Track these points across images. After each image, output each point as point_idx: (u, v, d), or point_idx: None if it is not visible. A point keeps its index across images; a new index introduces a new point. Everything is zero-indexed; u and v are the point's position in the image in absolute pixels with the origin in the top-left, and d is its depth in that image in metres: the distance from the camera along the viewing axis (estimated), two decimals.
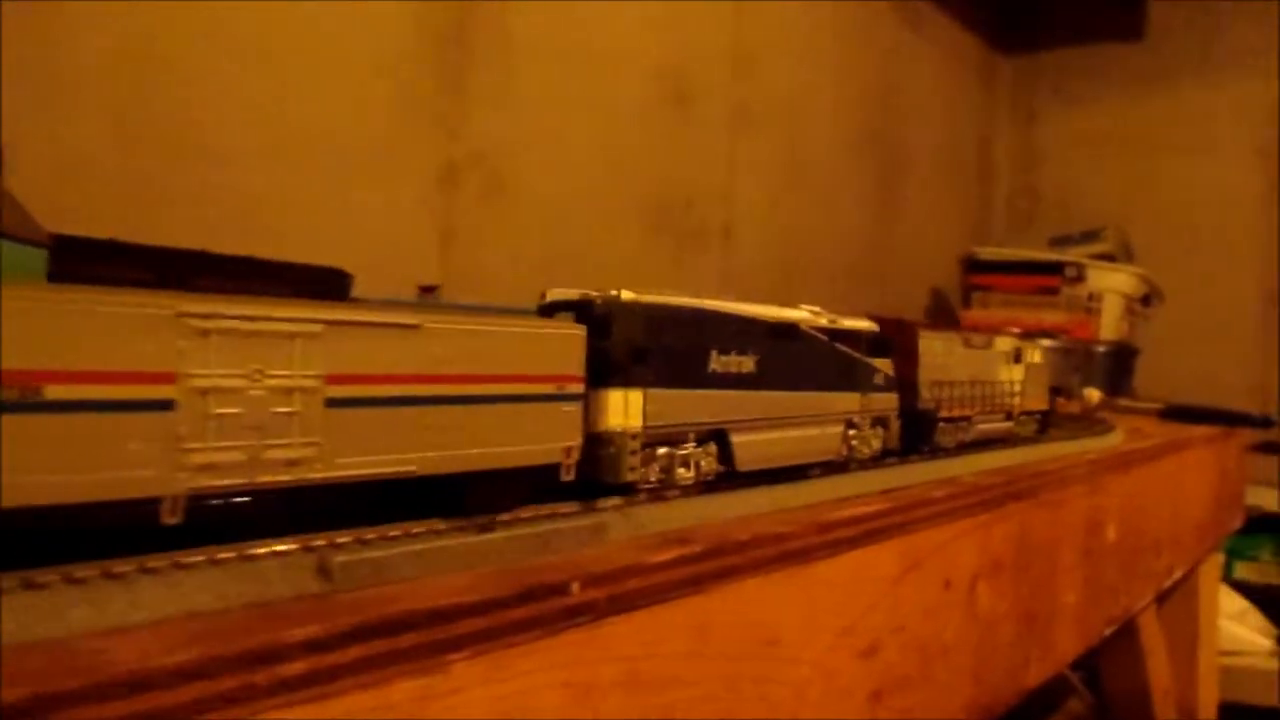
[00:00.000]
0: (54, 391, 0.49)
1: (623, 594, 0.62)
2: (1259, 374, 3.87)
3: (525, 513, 0.68)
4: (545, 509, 0.70)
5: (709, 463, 0.88)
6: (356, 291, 0.66)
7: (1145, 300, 3.59)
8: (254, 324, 0.56)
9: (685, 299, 0.89)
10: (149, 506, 0.53)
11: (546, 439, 0.74)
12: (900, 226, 3.65)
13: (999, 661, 1.15)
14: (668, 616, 0.66)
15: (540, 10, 2.20)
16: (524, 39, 2.18)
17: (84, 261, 0.56)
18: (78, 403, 0.50)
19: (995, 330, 1.58)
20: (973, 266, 3.58)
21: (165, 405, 0.53)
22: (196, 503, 0.54)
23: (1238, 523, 2.57)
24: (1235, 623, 2.80)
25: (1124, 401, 2.82)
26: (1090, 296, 3.40)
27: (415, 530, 0.61)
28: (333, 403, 0.60)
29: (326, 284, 0.65)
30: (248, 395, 0.56)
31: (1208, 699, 2.40)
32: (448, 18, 2.03)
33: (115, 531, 0.52)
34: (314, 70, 1.81)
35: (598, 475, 0.78)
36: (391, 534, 0.60)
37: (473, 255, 2.08)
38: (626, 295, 0.82)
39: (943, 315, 3.80)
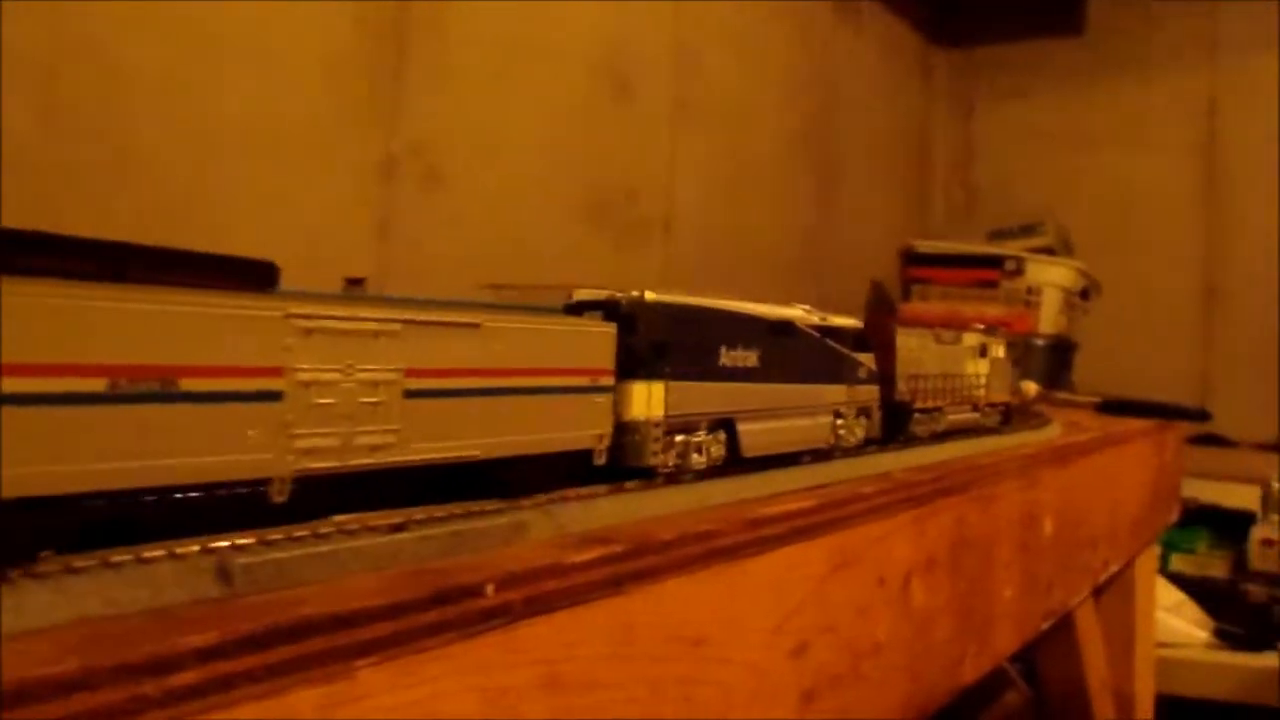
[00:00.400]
0: (188, 384, 0.55)
1: (540, 595, 0.60)
2: (1195, 367, 3.91)
3: (439, 511, 0.66)
4: (460, 508, 0.67)
5: (718, 449, 0.97)
6: (288, 284, 0.65)
7: (1084, 294, 3.61)
8: (347, 323, 0.64)
9: (698, 299, 0.98)
10: (260, 487, 0.59)
11: (583, 427, 0.83)
12: (840, 220, 3.66)
13: (934, 658, 1.13)
14: (588, 618, 0.64)
15: (479, 3, 2.18)
16: (462, 31, 2.16)
17: (15, 253, 0.54)
18: (208, 394, 0.56)
19: (960, 326, 1.65)
20: (912, 260, 3.59)
21: (276, 396, 0.59)
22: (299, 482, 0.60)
23: (1174, 516, 2.59)
24: (1172, 615, 2.82)
25: (1062, 395, 2.83)
26: (1029, 290, 3.41)
27: (323, 530, 0.59)
28: (410, 394, 0.67)
29: (256, 276, 0.64)
30: (341, 387, 0.63)
31: (1144, 691, 2.41)
32: (385, 11, 2.01)
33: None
34: (248, 62, 1.78)
35: (624, 460, 0.87)
36: (297, 534, 0.57)
37: (411, 247, 2.07)
38: (650, 296, 0.90)
39: (883, 309, 3.79)
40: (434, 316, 0.69)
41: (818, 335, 1.17)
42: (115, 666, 0.43)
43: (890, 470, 1.14)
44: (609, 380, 0.85)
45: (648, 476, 0.88)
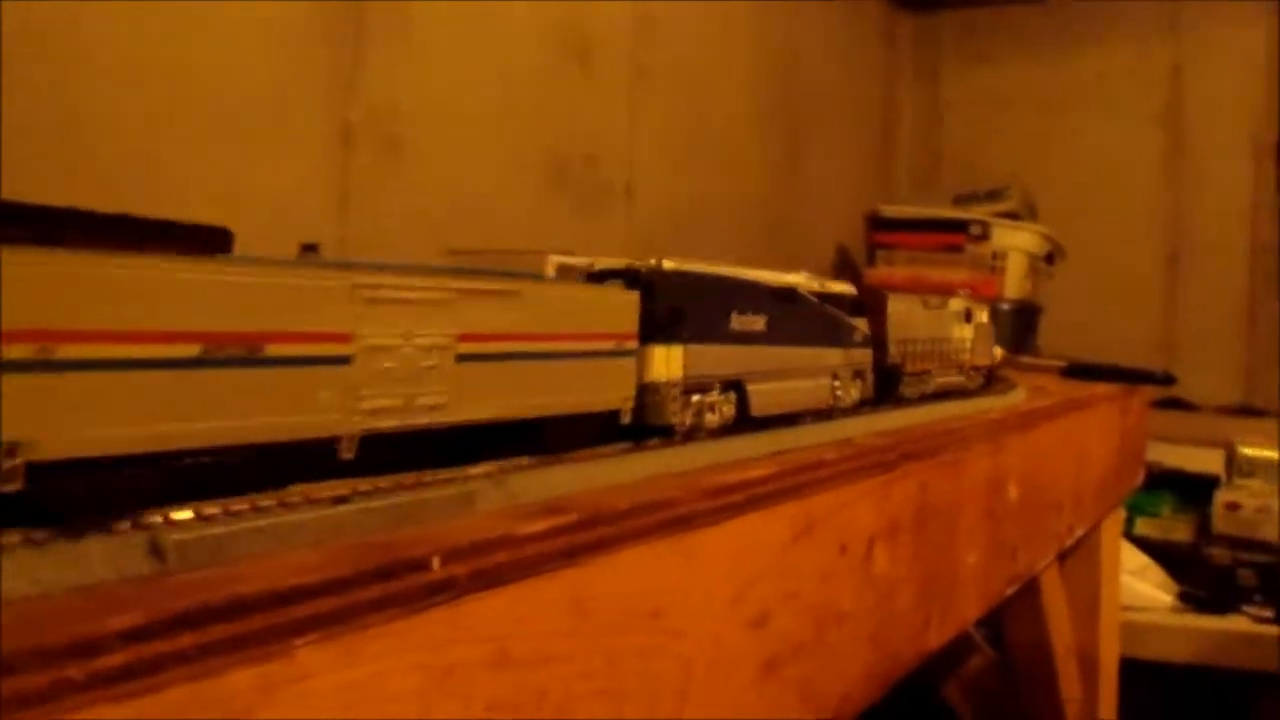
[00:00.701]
0: (273, 349, 0.59)
1: (489, 568, 0.58)
2: (1159, 331, 3.93)
3: (385, 483, 0.64)
4: (410, 478, 0.65)
5: (729, 409, 1.03)
6: (243, 252, 0.64)
7: (1048, 258, 3.61)
8: (406, 292, 0.68)
9: (711, 267, 1.05)
10: (330, 445, 0.63)
11: (612, 389, 0.89)
12: (804, 185, 3.64)
13: (898, 625, 1.12)
14: (540, 591, 0.62)
15: None
16: None
17: None
18: (289, 358, 0.60)
19: (927, 291, 1.70)
20: (877, 224, 3.57)
21: (346, 360, 0.64)
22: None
23: (1139, 480, 2.59)
24: (1136, 579, 2.83)
25: (1026, 359, 2.83)
26: (994, 255, 3.40)
27: (263, 504, 0.57)
28: (461, 358, 0.72)
29: (208, 242, 0.63)
30: (402, 352, 0.67)
31: (1109, 655, 2.42)
32: None
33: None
34: (204, 29, 1.75)
35: (646, 419, 0.93)
36: (235, 508, 0.55)
37: (370, 215, 2.05)
38: (668, 264, 0.96)
39: (847, 273, 3.79)
40: (482, 285, 0.74)
41: (817, 301, 1.22)
42: (36, 649, 0.41)
43: (853, 436, 1.12)
44: (633, 344, 0.91)
45: (667, 435, 0.93)
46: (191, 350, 0.55)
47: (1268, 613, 2.73)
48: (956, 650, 2.27)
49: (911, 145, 4.54)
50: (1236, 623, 2.74)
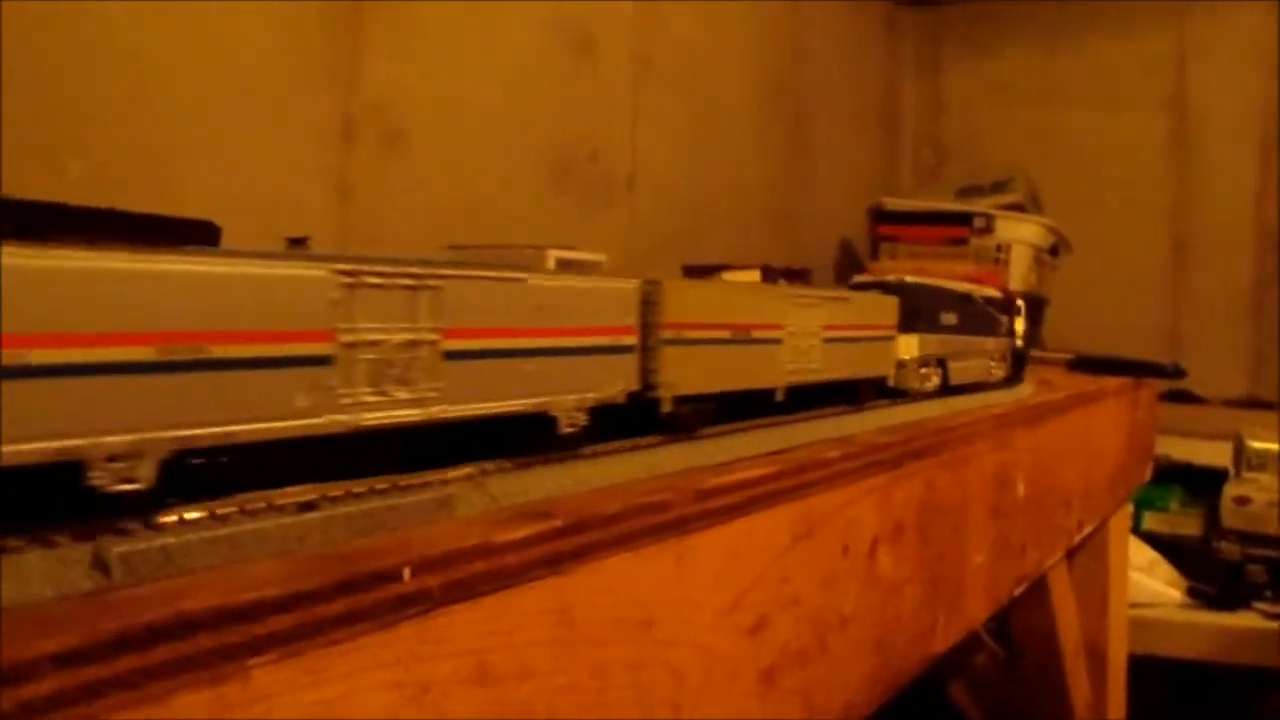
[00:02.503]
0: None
1: (466, 578, 0.54)
2: (1164, 322, 3.90)
3: (358, 487, 0.60)
4: (384, 481, 0.61)
5: (937, 379, 1.42)
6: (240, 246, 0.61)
7: (1053, 250, 3.57)
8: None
9: (929, 280, 1.50)
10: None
11: (882, 361, 1.29)
12: (808, 178, 3.61)
13: (903, 629, 1.09)
14: (522, 601, 0.58)
15: None
16: None
17: None
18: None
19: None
20: (880, 217, 3.53)
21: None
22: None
23: (1147, 474, 2.55)
24: (1145, 575, 2.79)
25: (1033, 352, 2.79)
26: (999, 247, 3.36)
27: (222, 511, 0.53)
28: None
29: (194, 237, 0.60)
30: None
31: (1118, 652, 2.39)
32: None
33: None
34: (204, 22, 1.73)
35: (899, 384, 1.33)
36: (190, 516, 0.51)
37: (372, 209, 2.03)
38: (909, 279, 1.43)
39: (851, 267, 3.76)
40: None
41: (982, 301, 1.63)
42: None
43: (855, 433, 1.08)
44: (893, 331, 1.30)
45: (906, 396, 1.33)
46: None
47: (1278, 609, 2.70)
48: (963, 647, 2.24)
49: (915, 137, 4.50)
50: (1246, 619, 2.70)
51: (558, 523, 0.61)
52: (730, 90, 3.22)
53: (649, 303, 0.88)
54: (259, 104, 1.83)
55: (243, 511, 0.53)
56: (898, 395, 1.32)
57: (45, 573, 0.45)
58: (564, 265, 0.84)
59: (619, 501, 0.67)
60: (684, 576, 0.72)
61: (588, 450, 0.79)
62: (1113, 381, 2.23)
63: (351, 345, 0.61)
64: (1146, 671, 2.55)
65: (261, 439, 0.56)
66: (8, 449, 0.45)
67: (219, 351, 0.54)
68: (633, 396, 0.85)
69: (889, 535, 1.03)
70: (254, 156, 1.82)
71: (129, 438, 0.50)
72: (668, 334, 0.87)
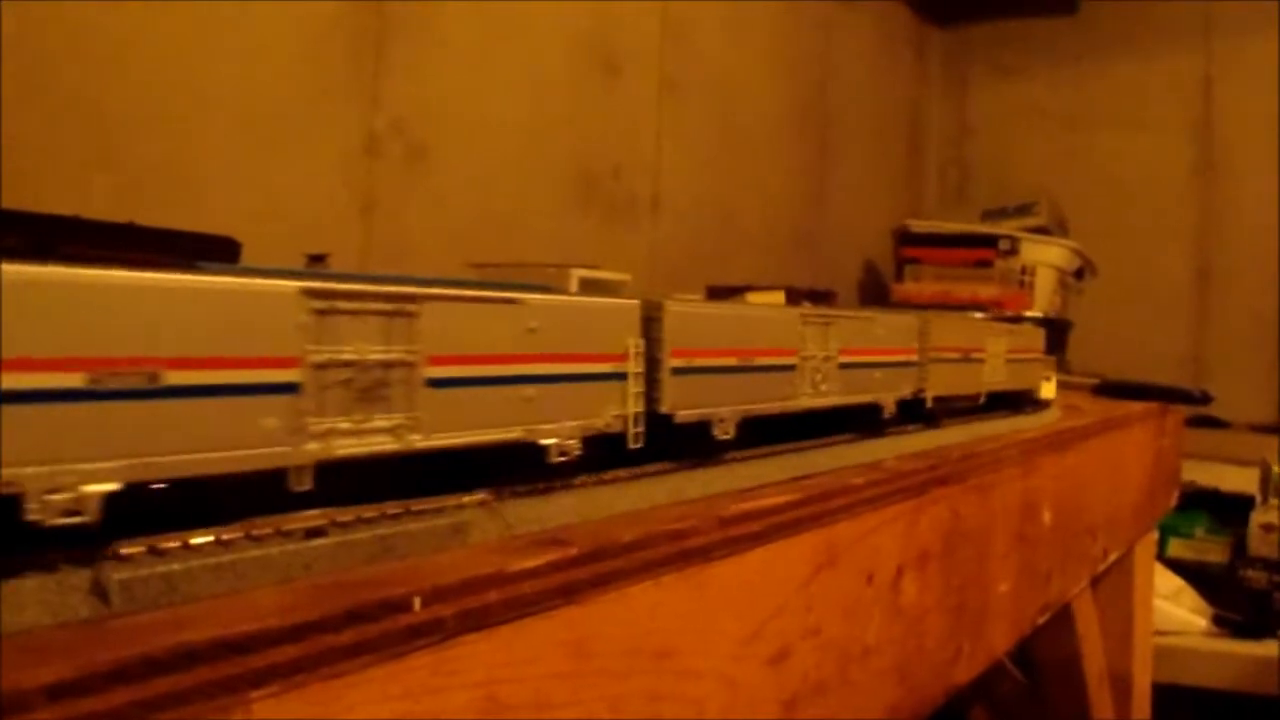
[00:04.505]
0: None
1: (479, 608, 0.53)
2: (1190, 347, 3.88)
3: (369, 512, 0.58)
4: (396, 506, 0.60)
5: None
6: (268, 264, 0.59)
7: (1078, 274, 3.55)
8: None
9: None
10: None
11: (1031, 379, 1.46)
12: (832, 198, 3.60)
13: (926, 659, 1.06)
14: (537, 631, 0.56)
15: None
16: (447, 5, 2.12)
17: None
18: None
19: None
20: (905, 239, 3.52)
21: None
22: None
23: (1173, 501, 2.53)
24: (1170, 602, 2.76)
25: (1058, 377, 2.76)
26: (1023, 270, 3.34)
27: (227, 537, 0.51)
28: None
29: (214, 253, 0.58)
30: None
31: (1142, 680, 2.35)
32: None
33: None
34: (229, 37, 1.74)
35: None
36: (196, 541, 0.50)
37: (395, 225, 2.03)
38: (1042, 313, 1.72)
39: (875, 288, 3.74)
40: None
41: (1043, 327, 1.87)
42: None
43: (881, 459, 1.06)
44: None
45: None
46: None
47: None
48: (986, 673, 2.21)
49: (940, 159, 4.49)
50: (1273, 648, 2.66)
51: (574, 551, 0.59)
52: (756, 110, 3.21)
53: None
54: (284, 120, 1.83)
55: (249, 537, 0.52)
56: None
57: (43, 598, 0.44)
58: (586, 285, 0.82)
59: (637, 529, 0.65)
60: (704, 606, 0.70)
61: (607, 476, 0.77)
62: (1139, 407, 2.21)
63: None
64: (1171, 701, 2.52)
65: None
66: None
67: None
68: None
69: (913, 563, 1.01)
70: (278, 172, 1.82)
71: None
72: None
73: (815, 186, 3.54)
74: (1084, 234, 3.69)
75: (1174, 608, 2.77)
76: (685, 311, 0.85)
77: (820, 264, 3.49)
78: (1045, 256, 3.39)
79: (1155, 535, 2.54)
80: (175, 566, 0.47)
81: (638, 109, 2.70)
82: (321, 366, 0.57)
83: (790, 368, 0.99)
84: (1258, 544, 2.87)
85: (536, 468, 0.71)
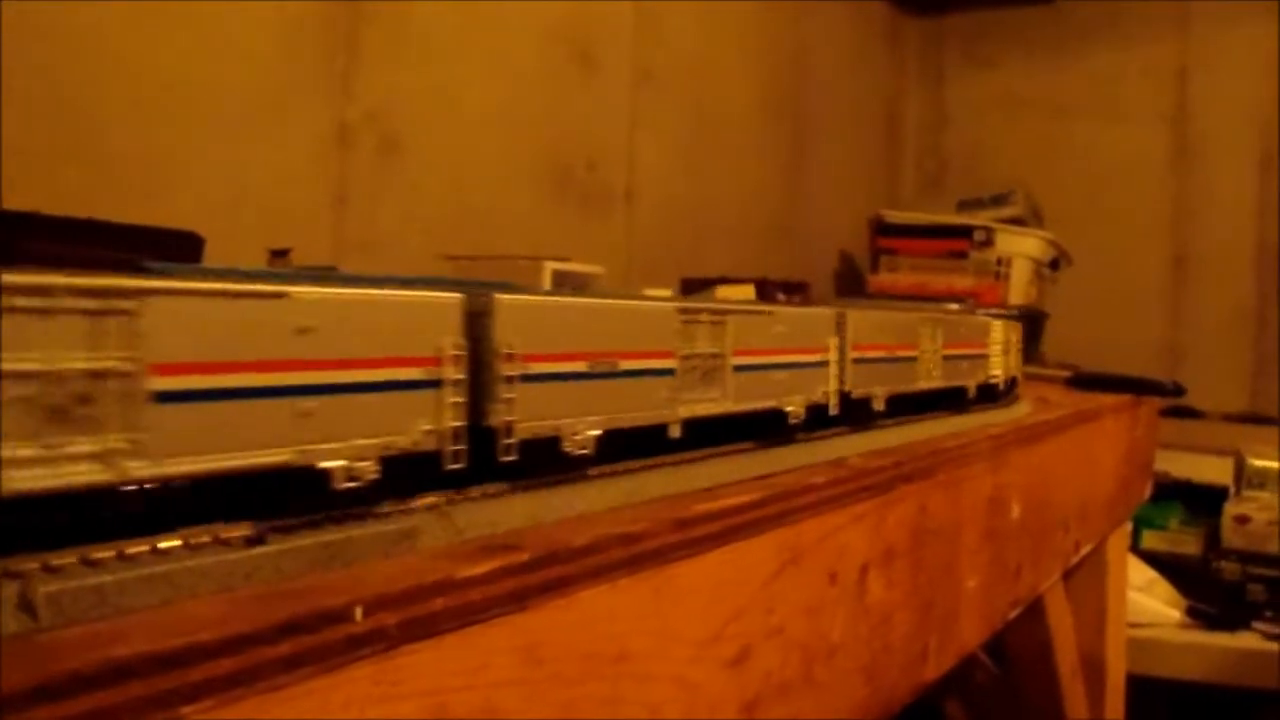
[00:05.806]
0: None
1: (424, 616, 0.52)
2: (1164, 337, 3.89)
3: (315, 518, 0.56)
4: (341, 512, 0.58)
5: None
6: (242, 257, 0.57)
7: (1053, 264, 3.56)
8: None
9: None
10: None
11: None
12: (808, 189, 3.60)
13: (894, 657, 1.06)
14: (486, 639, 0.55)
15: None
16: None
17: None
18: None
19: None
20: (881, 230, 3.52)
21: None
22: None
23: (1147, 493, 2.52)
24: (1144, 594, 2.76)
25: (1031, 368, 2.76)
26: (999, 261, 3.34)
27: (164, 545, 0.50)
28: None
29: (176, 247, 0.56)
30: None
31: (1116, 672, 2.36)
32: None
33: None
34: (200, 28, 1.72)
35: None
36: (130, 551, 0.48)
37: (367, 218, 2.02)
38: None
39: (852, 279, 3.74)
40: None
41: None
42: None
43: (846, 456, 1.06)
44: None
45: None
46: None
47: (1278, 629, 2.67)
48: (957, 667, 2.21)
49: (916, 150, 4.49)
50: (1246, 640, 2.67)
51: (525, 556, 0.58)
52: (730, 101, 3.20)
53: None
54: (255, 111, 1.82)
55: (187, 546, 0.50)
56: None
57: None
58: (560, 277, 0.81)
59: (592, 533, 0.64)
60: (662, 608, 0.69)
61: (562, 478, 0.75)
62: (1112, 399, 2.21)
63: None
64: (1145, 692, 2.52)
65: None
66: None
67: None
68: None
69: (879, 561, 1.00)
70: (250, 164, 1.81)
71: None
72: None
73: (791, 177, 3.54)
74: (1060, 223, 3.70)
75: (1148, 599, 2.77)
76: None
77: (797, 255, 3.48)
78: (1021, 247, 3.39)
79: (1129, 527, 2.55)
80: (107, 578, 0.46)
81: (612, 101, 2.70)
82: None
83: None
84: (1231, 536, 2.87)
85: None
